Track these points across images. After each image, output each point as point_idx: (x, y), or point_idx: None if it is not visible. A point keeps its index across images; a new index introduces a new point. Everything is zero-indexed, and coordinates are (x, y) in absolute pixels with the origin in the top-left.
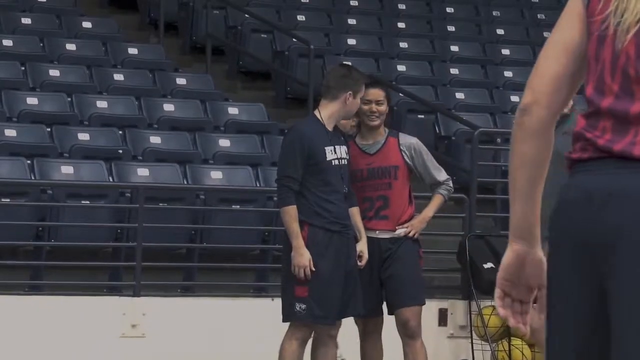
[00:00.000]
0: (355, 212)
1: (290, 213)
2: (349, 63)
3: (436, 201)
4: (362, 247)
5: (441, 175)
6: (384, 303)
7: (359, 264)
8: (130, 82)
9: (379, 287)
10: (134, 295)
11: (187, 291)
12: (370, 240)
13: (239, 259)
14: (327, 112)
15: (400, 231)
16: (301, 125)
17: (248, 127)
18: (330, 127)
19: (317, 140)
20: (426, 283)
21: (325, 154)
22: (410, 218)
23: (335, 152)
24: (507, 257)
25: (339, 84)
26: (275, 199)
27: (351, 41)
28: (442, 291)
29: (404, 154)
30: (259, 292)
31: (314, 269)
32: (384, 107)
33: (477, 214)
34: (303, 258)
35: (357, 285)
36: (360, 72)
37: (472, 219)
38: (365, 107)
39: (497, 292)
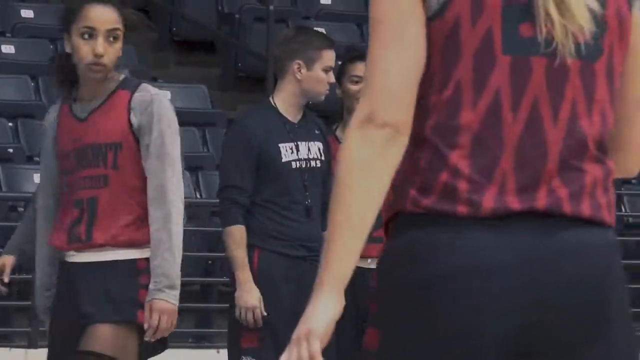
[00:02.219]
0: None
1: (234, 236)
2: (322, 30)
3: None
4: None
5: None
6: None
7: None
8: (21, 57)
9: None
10: (29, 347)
11: None
12: (358, 272)
13: None
14: (280, 95)
15: None
16: (246, 117)
17: (185, 117)
18: (291, 116)
19: (268, 134)
20: None
21: (279, 152)
22: None
23: (298, 151)
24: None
25: (283, 53)
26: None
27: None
28: None
29: None
30: (200, 341)
31: (265, 313)
32: None
33: None
34: (250, 296)
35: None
36: (317, 33)
37: None
38: (354, 88)
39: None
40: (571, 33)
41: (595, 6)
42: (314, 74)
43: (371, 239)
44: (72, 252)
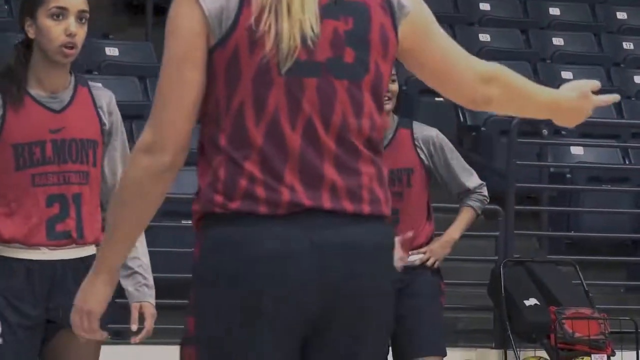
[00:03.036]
0: None
1: None
2: None
3: (465, 216)
4: None
5: (472, 180)
6: (390, 353)
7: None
8: None
9: None
10: None
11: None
12: None
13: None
14: None
15: (415, 258)
16: None
17: None
18: None
19: None
20: (447, 326)
21: None
22: (429, 240)
23: None
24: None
25: None
26: None
27: None
28: (469, 337)
29: (419, 151)
30: None
31: None
32: (396, 86)
33: (516, 232)
34: None
35: None
36: None
37: (509, 238)
38: None
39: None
40: (293, 52)
41: (358, 30)
42: None
43: None
44: (44, 250)
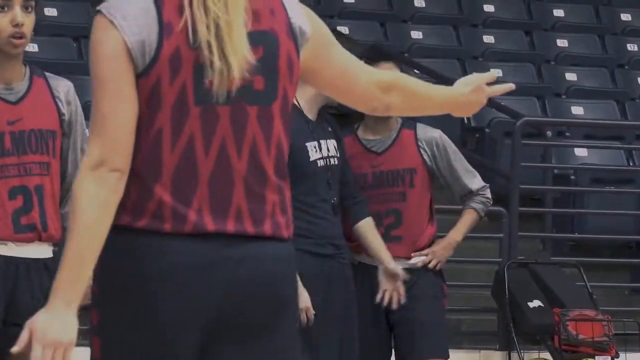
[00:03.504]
0: (367, 227)
1: None
2: (345, 29)
3: (467, 219)
4: (385, 279)
5: (475, 182)
6: (393, 356)
7: (379, 300)
8: (45, 55)
9: (386, 335)
10: None
11: None
12: (377, 272)
13: None
14: (305, 97)
15: (417, 260)
16: None
17: None
18: (311, 115)
19: (295, 134)
20: (451, 328)
21: (307, 152)
22: (431, 242)
23: (321, 150)
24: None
25: None
26: None
27: None
28: (473, 339)
29: (423, 152)
30: None
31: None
32: None
33: (520, 234)
34: (301, 299)
35: (353, 331)
36: (351, 39)
37: (513, 240)
38: None
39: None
40: (232, 82)
41: (268, 59)
42: None
43: (389, 238)
44: (10, 245)
